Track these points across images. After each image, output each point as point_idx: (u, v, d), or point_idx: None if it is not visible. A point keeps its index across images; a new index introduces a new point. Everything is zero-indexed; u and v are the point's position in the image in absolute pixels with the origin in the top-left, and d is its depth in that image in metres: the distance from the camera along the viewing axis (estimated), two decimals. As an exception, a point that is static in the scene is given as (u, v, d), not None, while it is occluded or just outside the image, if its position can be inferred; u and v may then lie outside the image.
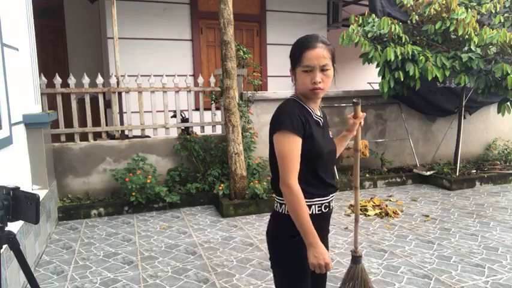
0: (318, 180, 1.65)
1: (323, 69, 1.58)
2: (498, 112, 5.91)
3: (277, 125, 1.59)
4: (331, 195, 1.71)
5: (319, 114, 1.71)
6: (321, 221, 1.68)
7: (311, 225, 1.54)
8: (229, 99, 4.82)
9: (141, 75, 5.42)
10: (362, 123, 1.89)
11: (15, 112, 3.33)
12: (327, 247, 1.81)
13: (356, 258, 2.08)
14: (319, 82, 1.58)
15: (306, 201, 1.61)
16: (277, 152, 1.58)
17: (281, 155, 1.57)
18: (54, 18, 7.72)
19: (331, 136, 1.78)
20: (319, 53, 1.57)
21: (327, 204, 1.68)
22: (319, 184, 1.65)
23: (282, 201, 1.64)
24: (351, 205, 5.11)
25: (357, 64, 10.48)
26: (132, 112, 5.39)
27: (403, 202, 5.26)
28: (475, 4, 5.67)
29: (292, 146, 1.55)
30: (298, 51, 1.61)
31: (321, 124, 1.69)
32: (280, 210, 1.66)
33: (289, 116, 1.57)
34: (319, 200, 1.65)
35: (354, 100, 1.83)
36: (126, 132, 5.38)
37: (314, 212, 1.64)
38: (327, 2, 8.46)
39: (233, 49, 4.80)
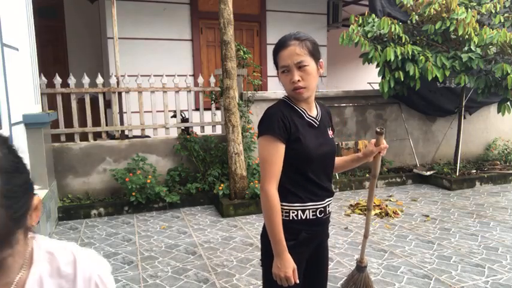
0: (311, 183, 1.59)
1: (300, 67, 1.51)
2: (498, 112, 5.91)
3: (260, 129, 1.56)
4: (327, 200, 1.64)
5: (314, 115, 1.64)
6: (317, 227, 1.64)
7: (281, 235, 1.51)
8: (229, 99, 4.82)
9: (141, 75, 5.42)
10: (383, 153, 1.80)
11: (15, 112, 3.33)
12: (326, 252, 1.77)
13: (361, 268, 2.06)
14: (298, 81, 1.51)
15: (299, 206, 1.58)
16: (259, 157, 1.57)
17: (261, 160, 1.55)
18: (54, 18, 7.72)
19: (331, 136, 1.70)
20: (292, 51, 1.51)
21: (322, 209, 1.62)
22: (313, 188, 1.59)
23: None
24: (351, 205, 5.11)
25: (357, 64, 10.48)
26: (132, 112, 5.39)
27: (403, 202, 5.26)
28: (475, 4, 5.67)
29: (273, 152, 1.52)
30: (274, 53, 1.58)
31: (316, 125, 1.63)
32: None
33: (272, 120, 1.53)
34: (313, 205, 1.60)
35: (377, 129, 1.74)
36: (126, 132, 5.38)
37: (308, 217, 1.59)
38: (327, 2, 8.47)
39: (233, 49, 4.80)
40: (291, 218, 1.58)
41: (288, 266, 1.51)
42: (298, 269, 1.60)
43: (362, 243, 2.04)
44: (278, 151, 1.53)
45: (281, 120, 1.53)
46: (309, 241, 1.63)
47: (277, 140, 1.52)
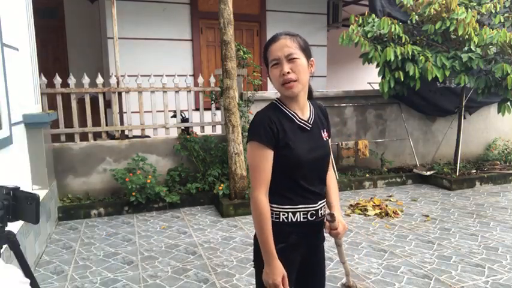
0: (302, 189, 1.56)
1: (290, 60, 1.48)
2: (498, 112, 5.91)
3: (248, 135, 1.55)
4: (319, 203, 1.61)
5: (306, 118, 1.60)
6: (308, 229, 1.60)
7: (270, 242, 1.49)
8: (229, 99, 4.82)
9: (141, 75, 5.42)
10: (338, 237, 1.69)
11: (15, 112, 3.33)
12: (321, 255, 1.74)
13: None
14: (288, 72, 1.48)
15: (290, 208, 1.56)
16: (248, 163, 1.55)
17: (250, 167, 1.54)
18: (54, 18, 7.72)
19: (325, 138, 1.64)
20: (282, 44, 1.50)
21: (313, 212, 1.59)
22: (304, 192, 1.57)
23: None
24: (351, 205, 5.11)
25: (357, 64, 10.47)
26: (132, 112, 5.39)
27: (403, 202, 5.26)
28: (475, 4, 5.67)
29: (260, 159, 1.50)
30: (265, 50, 1.56)
31: (308, 128, 1.59)
32: None
33: (258, 126, 1.51)
34: (305, 207, 1.57)
35: (327, 217, 1.61)
36: (126, 132, 5.38)
37: (299, 220, 1.57)
38: (327, 2, 8.47)
39: (233, 49, 4.80)
40: (281, 219, 1.56)
41: (276, 274, 1.49)
42: (289, 272, 1.57)
43: (344, 268, 1.88)
44: (266, 158, 1.51)
45: (268, 126, 1.50)
46: (300, 244, 1.60)
47: (264, 146, 1.50)
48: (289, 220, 1.57)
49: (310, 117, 1.62)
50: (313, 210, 1.60)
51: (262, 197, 1.51)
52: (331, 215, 1.56)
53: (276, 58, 1.50)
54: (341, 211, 1.75)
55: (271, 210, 1.56)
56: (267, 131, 1.49)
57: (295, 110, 1.58)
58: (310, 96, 1.67)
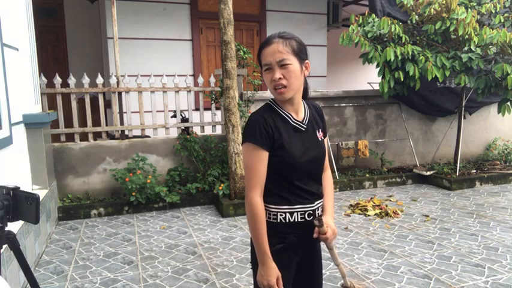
0: (297, 189, 1.56)
1: (282, 65, 1.47)
2: (498, 112, 5.91)
3: (243, 136, 1.55)
4: (316, 203, 1.62)
5: (300, 118, 1.60)
6: (305, 229, 1.60)
7: (264, 243, 1.49)
8: (229, 99, 4.82)
9: (141, 75, 5.42)
10: (329, 241, 1.63)
11: (15, 112, 3.33)
12: (319, 254, 1.73)
13: None
14: (279, 79, 1.47)
15: (287, 208, 1.56)
16: (243, 164, 1.55)
17: (245, 168, 1.53)
18: (54, 18, 7.73)
19: (320, 138, 1.64)
20: (274, 49, 1.47)
21: (311, 212, 1.59)
22: (300, 192, 1.57)
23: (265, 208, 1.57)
24: (351, 205, 5.11)
25: (356, 64, 10.49)
26: (132, 112, 5.39)
27: (403, 202, 5.26)
28: (475, 4, 5.67)
29: (255, 160, 1.50)
30: (258, 51, 1.55)
31: (303, 129, 1.59)
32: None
33: (254, 127, 1.50)
34: (302, 207, 1.57)
35: (314, 222, 1.58)
36: (126, 132, 5.38)
37: (296, 220, 1.57)
38: (327, 2, 8.47)
39: (233, 49, 4.80)
40: (278, 220, 1.56)
41: (271, 274, 1.49)
42: (288, 272, 1.58)
43: (339, 270, 1.86)
44: (261, 159, 1.50)
45: (263, 127, 1.50)
46: (298, 244, 1.60)
47: (259, 147, 1.49)
48: (287, 220, 1.57)
49: (304, 117, 1.62)
50: (310, 210, 1.60)
51: (256, 198, 1.51)
52: (319, 220, 1.56)
53: (268, 63, 1.50)
54: (334, 215, 1.72)
55: (268, 211, 1.57)
56: (262, 133, 1.49)
57: (289, 111, 1.58)
58: (305, 96, 1.67)
